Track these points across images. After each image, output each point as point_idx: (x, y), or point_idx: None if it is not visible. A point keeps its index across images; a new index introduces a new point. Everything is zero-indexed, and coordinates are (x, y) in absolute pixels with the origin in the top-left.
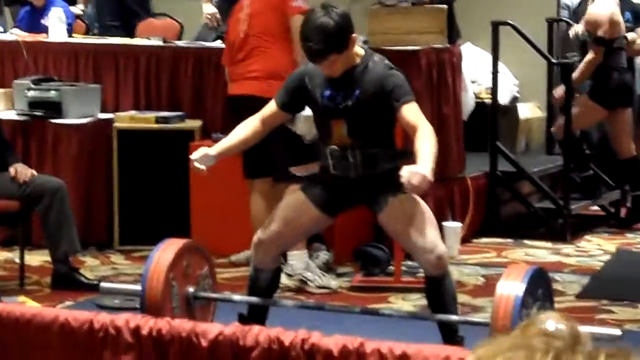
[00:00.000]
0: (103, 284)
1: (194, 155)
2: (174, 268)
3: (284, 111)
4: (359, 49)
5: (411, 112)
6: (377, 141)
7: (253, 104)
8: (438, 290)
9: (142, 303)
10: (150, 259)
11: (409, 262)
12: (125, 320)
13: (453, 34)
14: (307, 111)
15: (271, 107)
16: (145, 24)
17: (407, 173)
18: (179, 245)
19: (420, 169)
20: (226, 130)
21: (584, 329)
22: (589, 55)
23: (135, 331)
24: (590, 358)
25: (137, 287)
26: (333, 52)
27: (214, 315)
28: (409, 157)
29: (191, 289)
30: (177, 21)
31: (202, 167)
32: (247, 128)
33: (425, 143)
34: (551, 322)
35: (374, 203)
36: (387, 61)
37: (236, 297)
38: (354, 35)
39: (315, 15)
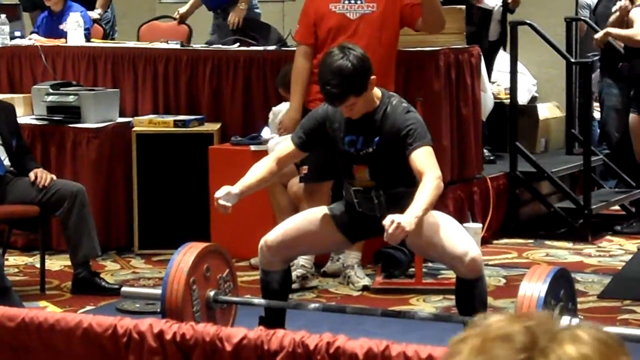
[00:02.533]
0: (124, 289)
1: (218, 194)
2: (194, 272)
3: (302, 150)
4: (377, 90)
5: (420, 158)
6: (400, 181)
7: None
8: (469, 293)
9: (162, 308)
10: (170, 264)
11: (430, 264)
12: (149, 325)
13: (484, 39)
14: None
15: (288, 146)
16: (149, 26)
17: (388, 221)
18: (199, 249)
19: (402, 218)
20: (245, 133)
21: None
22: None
23: (159, 336)
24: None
25: (158, 291)
26: (351, 95)
27: (235, 318)
28: None
29: (212, 293)
30: (184, 23)
31: (228, 204)
32: (263, 168)
33: (424, 191)
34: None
35: None
36: (404, 103)
37: (256, 300)
38: (372, 77)
39: (332, 57)
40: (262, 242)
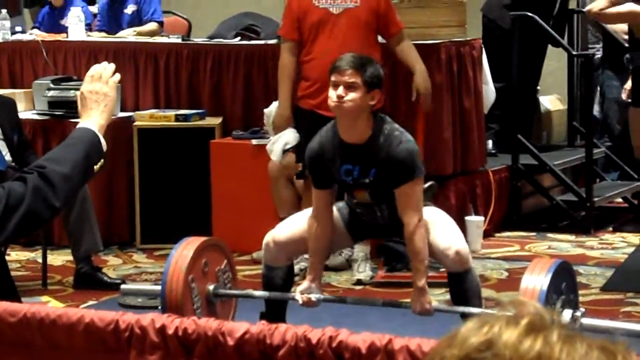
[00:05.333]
0: (124, 286)
1: (301, 290)
2: (192, 269)
3: (323, 189)
4: (370, 118)
5: (404, 198)
6: None
7: None
8: (460, 286)
9: (162, 305)
10: (168, 262)
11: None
12: (151, 319)
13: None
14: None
15: (315, 195)
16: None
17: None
18: (196, 246)
19: (421, 304)
20: (246, 127)
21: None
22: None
23: (161, 331)
24: None
25: (158, 288)
26: (360, 73)
27: (236, 309)
28: (434, 189)
29: (211, 287)
30: (184, 18)
31: (314, 298)
32: (318, 236)
33: (417, 258)
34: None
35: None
36: (396, 132)
37: (257, 293)
38: (379, 92)
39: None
40: (268, 238)
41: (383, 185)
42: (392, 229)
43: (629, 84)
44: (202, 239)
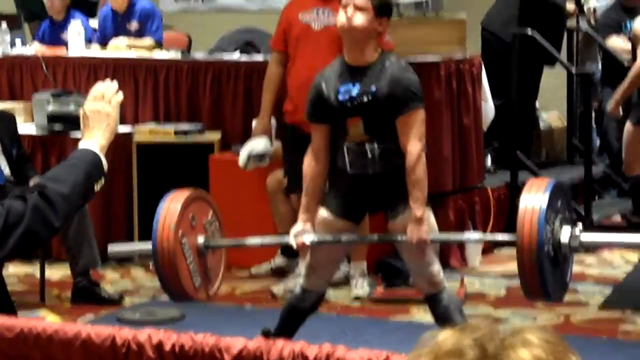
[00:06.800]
0: (111, 246)
1: (295, 233)
2: (181, 225)
3: (316, 122)
4: (378, 48)
5: (407, 125)
6: (393, 136)
7: None
8: (439, 306)
9: (155, 263)
10: (156, 221)
11: None
12: (148, 335)
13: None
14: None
15: (313, 130)
16: None
17: (409, 238)
18: (182, 200)
19: (414, 232)
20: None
21: None
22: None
23: (158, 347)
24: None
25: (148, 246)
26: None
27: (227, 259)
28: None
29: (201, 240)
30: (184, 33)
31: (307, 242)
32: (313, 172)
33: (416, 186)
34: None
35: (390, 208)
36: (402, 62)
37: (249, 241)
38: (388, 19)
39: None
40: (308, 265)
41: (380, 109)
42: (382, 191)
43: (617, 94)
44: (186, 192)
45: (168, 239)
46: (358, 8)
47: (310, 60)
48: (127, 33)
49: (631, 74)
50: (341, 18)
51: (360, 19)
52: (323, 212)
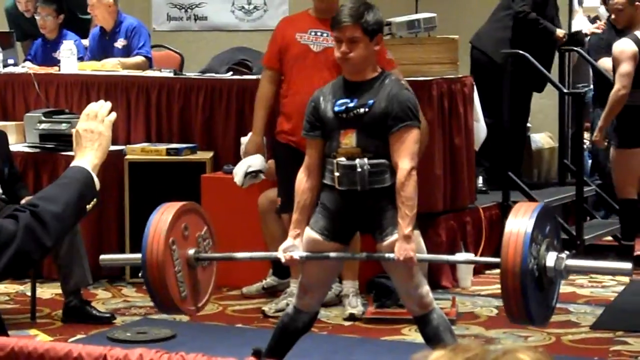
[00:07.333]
0: (103, 256)
1: (284, 248)
2: (173, 232)
3: (314, 137)
4: (377, 66)
5: (400, 142)
6: (385, 154)
7: None
8: (429, 326)
9: (144, 271)
10: (148, 225)
11: None
12: (139, 354)
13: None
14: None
15: (308, 146)
16: None
17: (396, 256)
18: (176, 209)
19: (402, 250)
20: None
21: None
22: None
23: None
24: None
25: (138, 256)
26: (359, 24)
27: (216, 276)
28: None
29: (192, 251)
30: (176, 52)
31: (297, 256)
32: (305, 188)
33: (405, 204)
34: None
35: (378, 229)
36: (403, 81)
37: (239, 255)
38: (382, 35)
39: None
40: (301, 286)
41: (375, 124)
42: (370, 211)
43: (600, 122)
44: (180, 203)
45: (158, 243)
46: (351, 41)
47: (309, 81)
48: (115, 51)
49: (610, 101)
50: (336, 53)
51: (355, 52)
52: (312, 234)
